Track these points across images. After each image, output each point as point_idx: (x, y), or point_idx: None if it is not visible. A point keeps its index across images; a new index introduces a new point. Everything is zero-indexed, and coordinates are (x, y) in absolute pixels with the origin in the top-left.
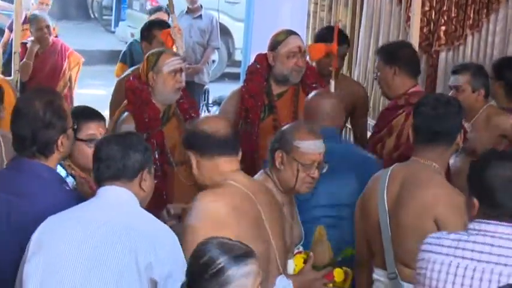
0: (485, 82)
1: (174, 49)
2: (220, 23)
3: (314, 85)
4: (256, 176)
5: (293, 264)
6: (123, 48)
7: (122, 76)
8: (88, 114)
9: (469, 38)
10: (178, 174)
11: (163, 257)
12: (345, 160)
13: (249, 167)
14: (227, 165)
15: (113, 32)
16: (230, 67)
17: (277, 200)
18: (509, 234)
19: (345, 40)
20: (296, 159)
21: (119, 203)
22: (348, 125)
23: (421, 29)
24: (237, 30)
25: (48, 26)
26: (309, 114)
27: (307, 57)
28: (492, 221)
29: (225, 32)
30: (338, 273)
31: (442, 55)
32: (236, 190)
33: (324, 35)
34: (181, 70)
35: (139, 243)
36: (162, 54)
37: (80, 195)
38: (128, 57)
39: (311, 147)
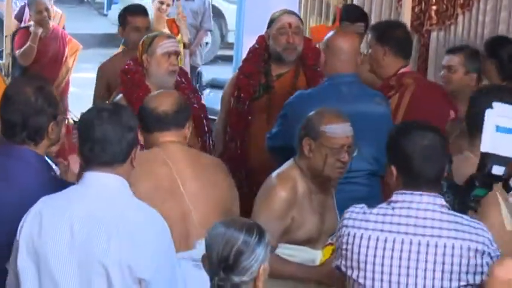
0: (479, 67)
1: (179, 37)
2: (212, 5)
3: (314, 67)
4: (285, 164)
5: (320, 255)
6: (116, 31)
7: (103, 61)
8: None
9: (460, 18)
10: None
11: (150, 255)
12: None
13: (241, 144)
14: (165, 139)
15: (106, 15)
16: (223, 49)
17: (218, 174)
18: (429, 203)
19: (360, 17)
20: (324, 145)
21: (109, 193)
22: None
23: (413, 8)
24: (229, 12)
25: (47, 9)
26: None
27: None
28: (414, 192)
29: (217, 14)
30: (327, 251)
31: (434, 34)
32: (154, 156)
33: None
34: (175, 53)
35: (124, 242)
36: (157, 36)
37: (65, 183)
38: None
39: (338, 131)
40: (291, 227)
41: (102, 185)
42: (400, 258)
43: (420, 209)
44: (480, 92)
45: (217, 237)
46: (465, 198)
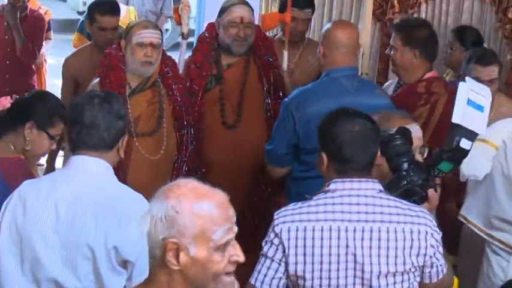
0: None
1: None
2: None
3: (265, 57)
4: None
5: None
6: (75, 17)
7: (69, 55)
8: None
9: (423, 6)
10: (138, 145)
11: (136, 237)
12: None
13: (193, 137)
14: None
15: (65, 1)
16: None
17: None
18: (367, 189)
19: (309, 4)
20: None
21: (94, 176)
22: None
23: None
24: None
25: None
26: (335, 47)
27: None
28: (351, 179)
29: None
30: None
31: None
32: None
33: (284, 1)
34: (151, 44)
35: (110, 224)
36: (136, 24)
37: None
38: (85, 27)
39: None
40: None
41: (88, 168)
42: (347, 246)
43: (360, 196)
44: None
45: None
46: (430, 173)
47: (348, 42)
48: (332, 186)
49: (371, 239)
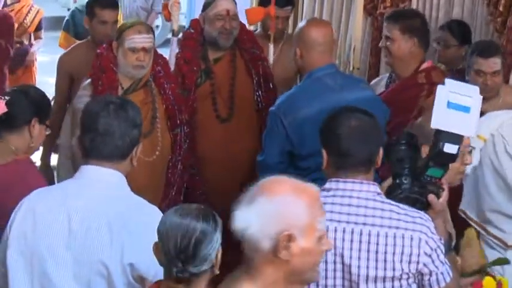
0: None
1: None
2: None
3: (251, 50)
4: None
5: None
6: (66, 14)
7: (65, 51)
8: None
9: (414, 0)
10: None
11: (151, 254)
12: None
13: (187, 134)
14: None
15: None
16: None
17: None
18: (362, 190)
19: (289, 2)
20: None
21: (108, 188)
22: None
23: None
24: None
25: None
26: (310, 46)
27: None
28: (341, 179)
29: None
30: (488, 282)
31: None
32: None
33: None
34: (144, 49)
35: (127, 240)
36: (129, 28)
37: None
38: (71, 26)
39: None
40: None
41: (101, 179)
42: (335, 247)
43: (353, 197)
44: None
45: (172, 227)
46: (421, 180)
47: (324, 40)
48: (327, 185)
49: (360, 242)
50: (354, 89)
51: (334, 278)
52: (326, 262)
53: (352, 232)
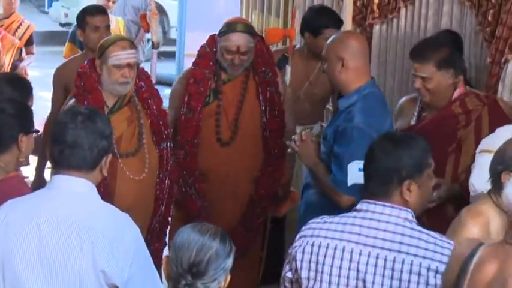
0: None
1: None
2: (155, 1)
3: (263, 74)
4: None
5: None
6: (57, 28)
7: (60, 65)
8: None
9: (403, 11)
10: (123, 167)
11: (122, 261)
12: None
13: (190, 152)
14: None
15: (47, 13)
16: (165, 46)
17: None
18: (392, 215)
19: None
20: None
21: (77, 197)
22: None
23: (355, 2)
24: (172, 8)
25: None
26: (362, 58)
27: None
28: (372, 201)
29: (159, 10)
30: None
31: (376, 28)
32: None
33: (320, 22)
34: (128, 65)
35: (97, 247)
36: (112, 45)
37: None
38: (77, 37)
39: None
40: None
41: (71, 188)
42: (357, 271)
43: (382, 221)
44: None
45: (191, 242)
46: None
47: (367, 52)
48: (358, 206)
49: (384, 268)
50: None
51: None
52: (346, 285)
53: (377, 257)
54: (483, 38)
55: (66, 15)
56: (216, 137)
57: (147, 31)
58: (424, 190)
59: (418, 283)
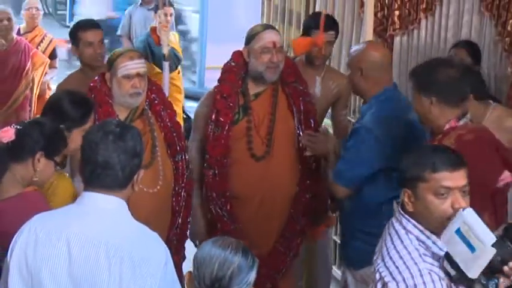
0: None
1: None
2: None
3: (294, 85)
4: None
5: None
6: None
7: (62, 81)
8: None
9: (423, 22)
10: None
11: (150, 281)
12: None
13: (219, 172)
14: None
15: (68, 27)
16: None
17: None
18: None
19: (332, 27)
20: None
21: (108, 215)
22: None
23: (375, 14)
24: (192, 20)
25: (10, 19)
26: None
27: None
28: None
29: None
30: None
31: (397, 39)
32: None
33: (309, 23)
34: (138, 75)
35: (125, 266)
36: (120, 56)
37: None
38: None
39: None
40: None
41: (101, 206)
42: None
43: None
44: None
45: (212, 256)
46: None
47: (387, 61)
48: None
49: None
50: (411, 108)
51: None
52: None
53: None
54: (502, 48)
55: None
56: (249, 153)
57: (158, 44)
58: None
59: None
